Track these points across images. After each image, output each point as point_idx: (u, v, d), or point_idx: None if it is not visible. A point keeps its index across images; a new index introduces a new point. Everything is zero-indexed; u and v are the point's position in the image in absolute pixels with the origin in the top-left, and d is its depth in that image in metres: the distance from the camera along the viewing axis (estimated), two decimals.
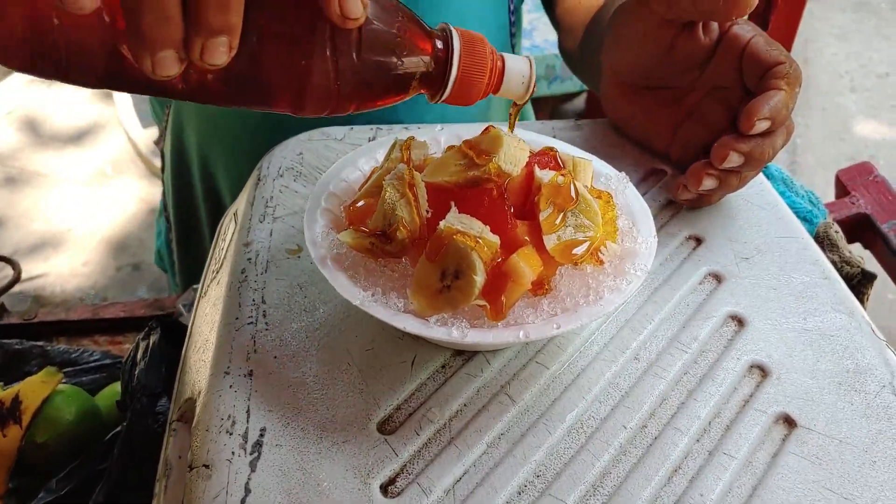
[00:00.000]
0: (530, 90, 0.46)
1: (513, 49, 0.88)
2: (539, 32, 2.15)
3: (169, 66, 0.36)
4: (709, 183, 0.55)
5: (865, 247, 0.81)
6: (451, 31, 0.45)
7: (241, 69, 0.39)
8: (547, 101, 2.15)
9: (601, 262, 0.45)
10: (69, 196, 2.48)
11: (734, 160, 0.54)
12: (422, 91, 0.46)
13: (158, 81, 0.38)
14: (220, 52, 0.36)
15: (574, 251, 0.44)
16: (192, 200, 0.96)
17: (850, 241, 0.80)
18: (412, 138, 0.50)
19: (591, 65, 0.69)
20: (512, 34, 0.86)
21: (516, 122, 0.52)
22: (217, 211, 0.93)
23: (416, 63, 0.43)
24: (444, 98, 0.45)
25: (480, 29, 0.83)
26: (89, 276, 2.24)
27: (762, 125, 0.53)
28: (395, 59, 0.42)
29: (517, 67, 0.46)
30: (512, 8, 0.84)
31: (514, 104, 0.49)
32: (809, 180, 2.53)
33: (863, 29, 3.35)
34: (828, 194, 2.49)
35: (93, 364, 0.74)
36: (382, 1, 0.42)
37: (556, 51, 2.12)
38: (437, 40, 0.44)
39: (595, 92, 0.73)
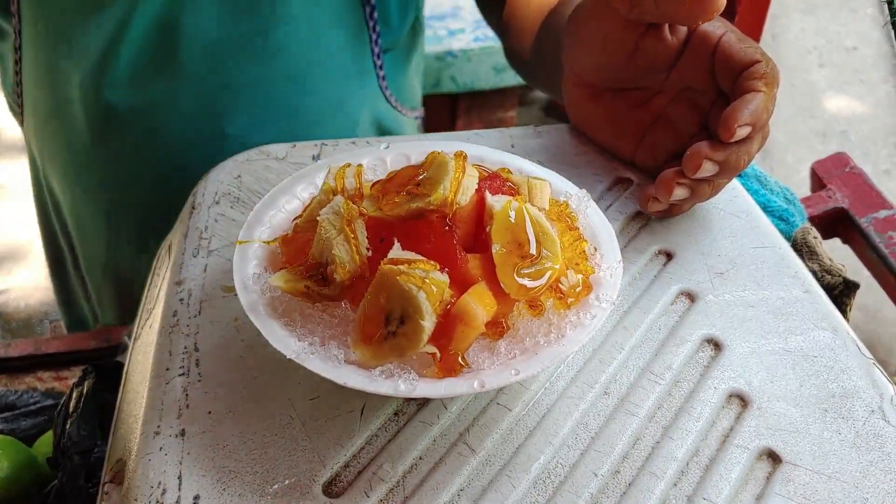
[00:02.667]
0: None
1: (386, 95, 0.82)
2: None
3: None
4: (680, 193, 0.51)
5: (844, 242, 0.77)
6: None
7: None
8: (514, 91, 2.11)
9: (562, 296, 0.41)
10: (29, 207, 2.40)
11: (708, 169, 0.50)
12: None
13: None
14: None
15: (531, 286, 0.40)
16: (50, 220, 0.91)
17: (828, 236, 0.77)
18: (348, 165, 0.45)
19: (548, 68, 0.65)
20: (381, 77, 0.81)
21: None
22: (68, 238, 0.88)
23: None
24: None
25: (333, 78, 0.76)
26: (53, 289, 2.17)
27: (742, 132, 0.49)
28: None
29: None
30: (377, 51, 0.79)
31: None
32: (781, 158, 2.51)
33: (829, 3, 3.33)
34: (799, 171, 2.48)
35: (33, 407, 0.69)
36: None
37: None
38: None
39: (551, 97, 0.69)
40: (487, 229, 0.41)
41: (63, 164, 0.80)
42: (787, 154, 2.55)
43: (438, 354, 0.38)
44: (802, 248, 0.61)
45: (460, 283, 0.39)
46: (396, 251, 0.39)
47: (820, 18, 3.24)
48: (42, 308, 2.12)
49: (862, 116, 2.73)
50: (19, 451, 0.61)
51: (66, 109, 0.74)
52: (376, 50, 0.79)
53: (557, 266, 0.40)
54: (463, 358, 0.39)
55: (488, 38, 1.87)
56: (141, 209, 0.80)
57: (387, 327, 0.38)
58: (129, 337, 0.69)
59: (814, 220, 0.74)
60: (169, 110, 0.73)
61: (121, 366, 0.60)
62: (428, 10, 1.80)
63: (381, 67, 0.80)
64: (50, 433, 0.66)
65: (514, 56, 0.80)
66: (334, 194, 0.44)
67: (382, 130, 0.86)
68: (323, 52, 0.76)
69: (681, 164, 0.51)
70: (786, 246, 0.54)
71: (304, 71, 0.75)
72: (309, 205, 0.45)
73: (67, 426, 0.52)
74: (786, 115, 2.72)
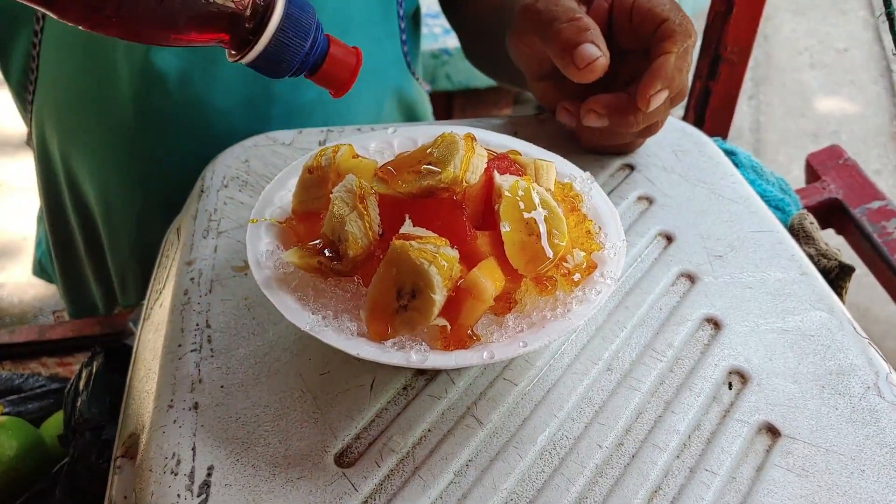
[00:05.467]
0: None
1: (406, 58, 0.84)
2: None
3: None
4: (593, 120, 0.55)
5: (838, 232, 0.79)
6: None
7: None
8: (508, 90, 2.12)
9: (568, 273, 0.42)
10: (23, 203, 2.40)
11: (594, 121, 0.55)
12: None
13: None
14: None
15: (539, 263, 0.41)
16: (61, 207, 0.90)
17: (822, 227, 0.79)
18: (335, 148, 0.46)
19: (501, 64, 0.68)
20: (403, 42, 0.82)
21: None
22: (87, 221, 0.87)
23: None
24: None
25: (366, 37, 0.78)
26: (48, 286, 2.17)
27: (657, 100, 0.52)
28: None
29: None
30: (401, 14, 0.80)
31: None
32: (773, 157, 2.53)
33: (820, 4, 3.35)
34: (791, 170, 2.49)
35: (38, 390, 0.69)
36: None
37: None
38: None
39: (518, 88, 0.71)
40: (496, 208, 0.42)
41: (95, 143, 0.79)
42: (778, 153, 2.57)
43: (449, 327, 0.39)
44: (799, 233, 0.62)
45: (469, 259, 0.40)
46: (408, 227, 0.40)
47: (811, 20, 3.26)
48: (36, 304, 2.12)
49: (852, 117, 2.75)
50: (28, 432, 0.62)
51: (107, 82, 0.74)
52: (401, 12, 0.80)
53: (564, 244, 0.41)
54: (473, 331, 0.40)
55: None
56: (177, 184, 0.80)
57: (398, 301, 0.39)
58: (135, 322, 0.70)
59: (808, 210, 0.75)
60: (217, 72, 0.73)
61: (129, 348, 0.61)
62: (423, 7, 1.81)
63: (403, 31, 0.82)
64: (57, 415, 0.67)
65: (475, 57, 0.82)
66: (310, 172, 0.45)
67: (403, 98, 0.87)
68: (358, 11, 0.77)
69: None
70: (783, 230, 0.55)
71: (343, 28, 0.76)
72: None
73: (78, 404, 0.53)
74: (777, 116, 2.74)
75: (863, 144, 2.61)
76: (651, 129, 0.58)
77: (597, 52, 0.52)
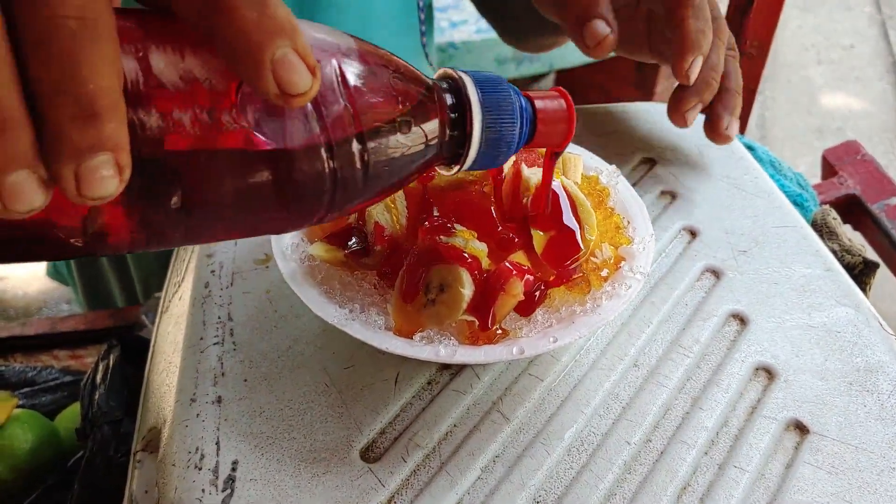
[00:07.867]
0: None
1: (424, 49, 0.84)
2: None
3: (27, 195, 0.22)
4: (692, 116, 0.56)
5: (855, 228, 0.78)
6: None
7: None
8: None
9: (597, 268, 0.42)
10: None
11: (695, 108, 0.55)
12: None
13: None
14: (104, 180, 0.23)
15: (569, 259, 0.40)
16: None
17: None
18: None
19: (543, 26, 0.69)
20: (422, 33, 0.82)
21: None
22: None
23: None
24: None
25: (388, 32, 0.78)
26: (51, 279, 2.16)
27: (695, 70, 0.52)
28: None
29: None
30: (421, 5, 0.80)
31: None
32: (779, 153, 2.52)
33: (826, 0, 3.34)
34: (797, 166, 2.48)
35: (52, 383, 0.69)
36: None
37: None
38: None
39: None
40: (524, 201, 0.41)
41: None
42: (783, 150, 2.56)
43: (477, 322, 0.39)
44: (822, 229, 0.61)
45: (498, 253, 0.40)
46: None
47: (817, 16, 3.25)
48: (41, 297, 2.11)
49: (858, 113, 2.74)
50: (43, 425, 0.62)
51: None
52: (420, 4, 0.80)
53: (593, 238, 0.41)
54: (500, 325, 0.39)
55: (490, 29, 1.88)
56: None
57: (426, 295, 0.39)
58: (147, 315, 0.69)
59: (834, 210, 0.75)
60: None
61: (144, 340, 0.61)
62: None
63: (423, 22, 0.81)
64: (71, 408, 0.67)
65: (505, 32, 0.82)
66: None
67: None
68: (380, 5, 0.77)
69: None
70: (806, 226, 0.55)
71: (366, 23, 0.76)
72: None
73: (96, 397, 0.53)
74: (783, 112, 2.73)
75: (868, 141, 2.60)
76: (724, 100, 0.57)
77: (606, 29, 0.52)
